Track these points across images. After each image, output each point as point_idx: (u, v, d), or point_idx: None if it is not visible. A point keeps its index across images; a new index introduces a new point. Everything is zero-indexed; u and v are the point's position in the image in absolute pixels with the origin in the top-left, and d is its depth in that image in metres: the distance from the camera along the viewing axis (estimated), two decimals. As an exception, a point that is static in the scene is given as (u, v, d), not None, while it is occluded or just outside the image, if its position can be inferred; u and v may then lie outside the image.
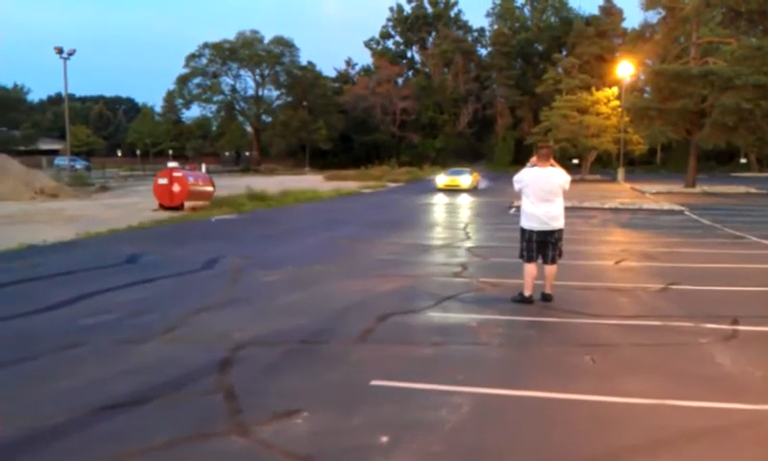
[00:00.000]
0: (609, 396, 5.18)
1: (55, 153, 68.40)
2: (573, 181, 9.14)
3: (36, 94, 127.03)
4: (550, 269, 8.50)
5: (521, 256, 8.57)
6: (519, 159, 72.83)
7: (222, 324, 7.31)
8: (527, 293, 8.42)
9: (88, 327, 7.12)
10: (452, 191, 36.30)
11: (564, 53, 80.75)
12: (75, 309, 8.00)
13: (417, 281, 10.05)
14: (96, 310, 7.90)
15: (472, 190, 37.55)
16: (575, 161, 61.65)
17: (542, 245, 8.43)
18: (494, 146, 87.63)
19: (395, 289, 9.42)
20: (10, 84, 75.61)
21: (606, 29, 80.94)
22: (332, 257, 12.57)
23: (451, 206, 26.43)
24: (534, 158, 8.67)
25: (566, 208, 8.65)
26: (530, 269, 8.44)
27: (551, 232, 8.40)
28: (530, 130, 71.72)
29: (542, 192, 8.35)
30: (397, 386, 5.36)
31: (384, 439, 4.34)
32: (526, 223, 8.48)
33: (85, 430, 4.50)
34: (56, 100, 78.74)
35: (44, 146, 73.08)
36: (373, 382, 5.42)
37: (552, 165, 8.50)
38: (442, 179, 39.01)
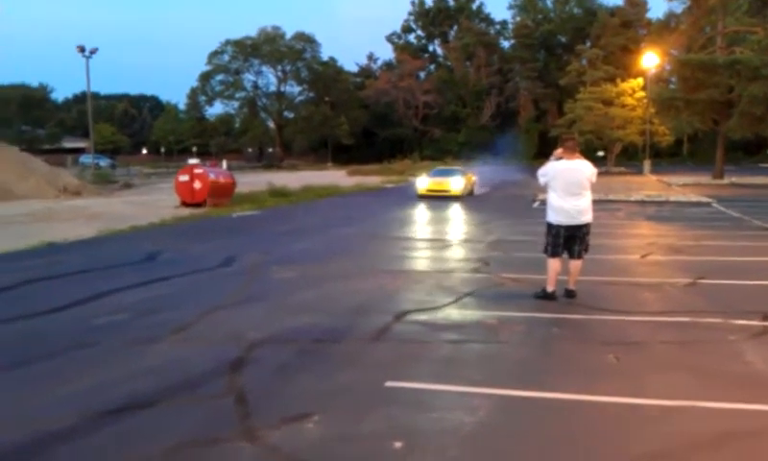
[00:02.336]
0: (634, 397, 4.95)
1: (80, 151, 68.95)
2: (599, 174, 8.86)
3: (62, 93, 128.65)
4: (576, 264, 8.24)
5: (546, 251, 8.31)
6: (543, 152, 72.26)
7: (236, 323, 7.17)
8: (550, 289, 8.18)
9: (101, 327, 7.02)
10: (437, 198, 26.08)
11: (588, 44, 79.85)
12: (89, 308, 7.91)
13: (435, 278, 9.85)
14: (110, 309, 7.80)
15: (465, 197, 27.12)
16: (600, 154, 60.94)
17: (569, 240, 8.17)
18: (518, 139, 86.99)
19: (413, 286, 9.24)
20: (35, 84, 76.55)
21: (630, 19, 79.91)
22: (350, 253, 12.42)
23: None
24: (558, 151, 8.41)
25: (592, 201, 8.37)
26: (555, 264, 8.18)
27: (579, 227, 8.13)
28: (554, 122, 71.10)
29: (571, 185, 8.07)
30: (413, 387, 5.17)
31: (398, 444, 4.16)
32: (553, 217, 8.20)
33: (92, 434, 4.37)
34: (81, 98, 79.35)
35: (69, 144, 73.71)
36: (388, 383, 5.23)
37: (579, 157, 8.24)
38: (423, 182, 28.00)
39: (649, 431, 4.40)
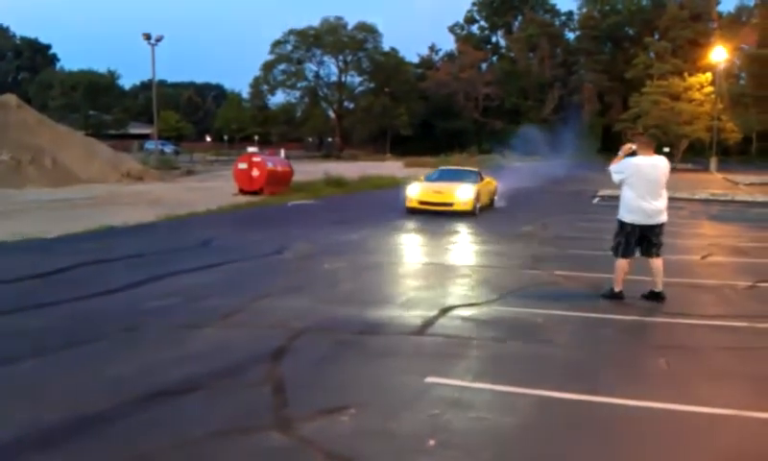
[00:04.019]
0: (685, 404, 4.76)
1: (145, 137, 70.61)
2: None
3: (131, 80, 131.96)
4: (657, 263, 7.84)
5: (615, 251, 7.95)
6: (607, 147, 70.78)
7: (281, 311, 7.20)
8: (618, 289, 7.89)
9: (150, 311, 7.15)
10: (432, 214, 17.13)
11: (656, 37, 77.72)
12: (140, 292, 8.06)
13: (484, 272, 9.72)
14: (161, 293, 7.95)
15: (475, 216, 17.33)
16: (666, 150, 59.33)
17: (642, 240, 7.84)
18: (581, 133, 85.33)
19: (460, 280, 9.12)
20: (103, 70, 78.74)
21: (700, 12, 77.31)
22: (401, 245, 12.36)
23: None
24: (627, 146, 8.09)
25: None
26: (624, 265, 7.86)
27: (653, 227, 7.80)
28: (618, 116, 69.48)
29: (650, 184, 7.72)
30: (454, 384, 5.09)
31: (432, 442, 4.09)
32: (628, 216, 7.83)
33: (130, 418, 4.43)
34: (147, 85, 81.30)
35: (135, 130, 75.64)
36: (428, 379, 5.16)
37: (654, 154, 7.92)
38: (414, 189, 18.09)
39: (699, 441, 4.23)
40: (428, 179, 19.34)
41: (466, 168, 22.69)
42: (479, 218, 16.96)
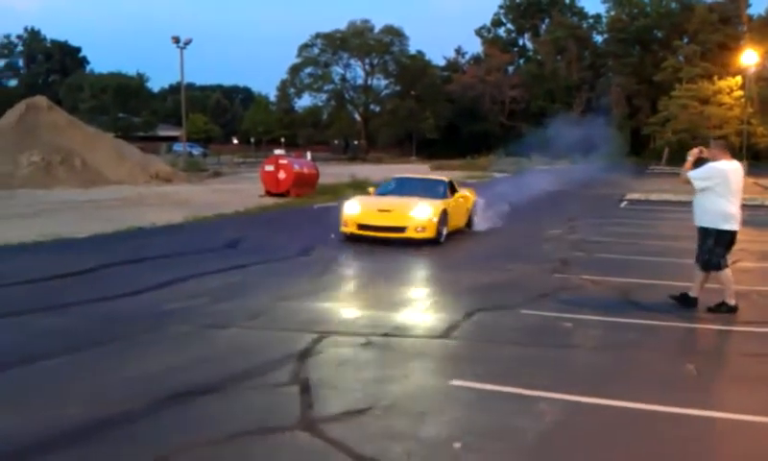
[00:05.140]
0: (712, 410, 4.72)
1: (174, 139, 71.33)
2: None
3: (161, 82, 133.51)
4: (728, 272, 7.60)
5: (718, 266, 7.51)
6: (636, 150, 70.26)
7: (306, 313, 7.24)
8: (733, 302, 7.49)
9: (174, 312, 7.21)
10: (377, 243, 12.41)
11: (685, 40, 76.82)
12: (165, 293, 8.15)
13: (511, 275, 9.68)
14: (185, 294, 8.03)
15: (439, 245, 12.64)
16: (695, 154, 58.63)
17: (730, 247, 7.63)
18: (609, 136, 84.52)
19: (488, 283, 9.10)
20: (132, 73, 79.74)
21: (729, 15, 76.25)
22: (425, 247, 12.31)
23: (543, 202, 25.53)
24: (696, 150, 7.83)
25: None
26: (730, 273, 7.56)
27: (736, 233, 7.62)
28: (647, 119, 68.85)
29: (738, 189, 7.56)
30: (479, 387, 5.07)
31: (457, 445, 4.08)
32: (725, 224, 7.48)
33: (155, 416, 4.48)
34: (176, 88, 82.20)
35: (163, 132, 76.43)
36: (454, 382, 5.16)
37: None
38: (353, 207, 13.13)
39: (725, 448, 4.18)
40: (380, 192, 14.65)
41: (432, 177, 17.19)
42: (442, 250, 12.32)
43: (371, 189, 15.22)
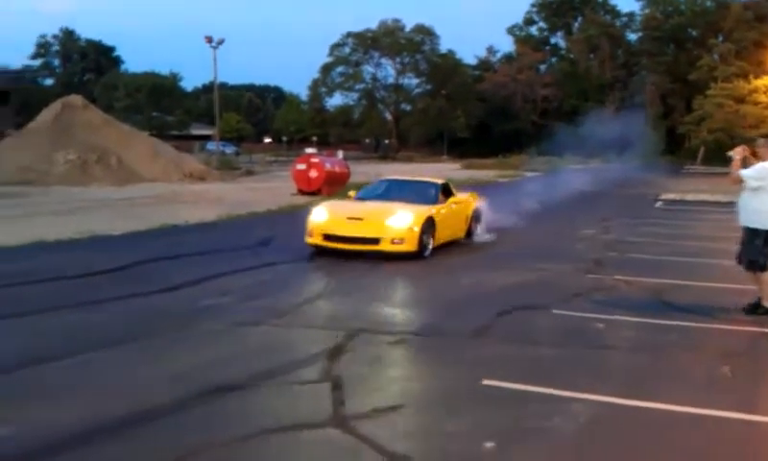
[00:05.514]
0: (748, 413, 4.63)
1: (207, 138, 72.04)
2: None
3: (194, 82, 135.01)
4: None
5: (762, 265, 7.35)
6: (671, 150, 69.30)
7: (337, 311, 7.28)
8: None
9: (206, 309, 7.28)
10: (347, 255, 10.49)
11: (721, 38, 75.58)
12: (198, 290, 8.23)
13: (544, 275, 9.60)
14: (218, 291, 8.10)
15: (424, 259, 10.67)
16: (729, 154, 57.59)
17: None
18: (643, 135, 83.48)
19: (520, 283, 9.04)
20: (165, 72, 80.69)
21: (765, 13, 74.79)
22: (455, 246, 12.26)
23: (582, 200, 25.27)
24: (739, 149, 7.72)
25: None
26: None
27: None
28: (682, 119, 67.90)
29: None
30: (511, 387, 5.04)
31: (489, 445, 4.06)
32: None
33: (188, 412, 4.53)
34: (209, 88, 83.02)
35: (197, 131, 77.26)
36: (485, 381, 5.13)
37: None
38: (320, 214, 11.18)
39: (755, 450, 4.10)
40: (360, 196, 12.64)
41: (424, 179, 14.03)
42: (423, 268, 10.34)
43: (351, 193, 13.16)
